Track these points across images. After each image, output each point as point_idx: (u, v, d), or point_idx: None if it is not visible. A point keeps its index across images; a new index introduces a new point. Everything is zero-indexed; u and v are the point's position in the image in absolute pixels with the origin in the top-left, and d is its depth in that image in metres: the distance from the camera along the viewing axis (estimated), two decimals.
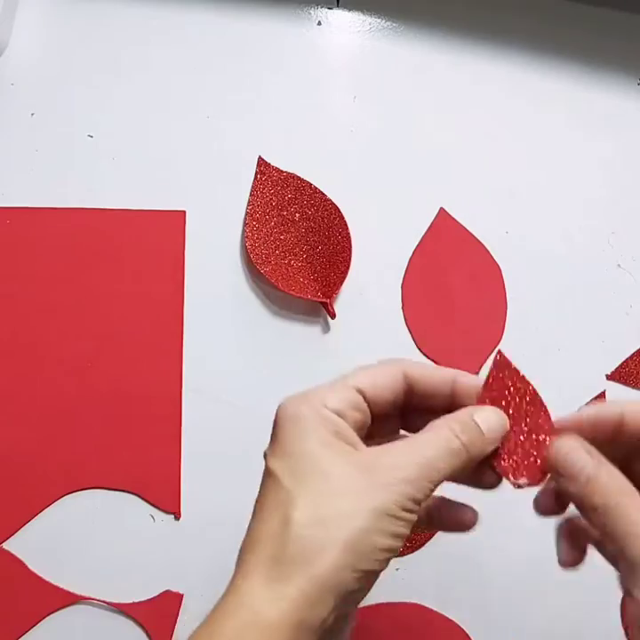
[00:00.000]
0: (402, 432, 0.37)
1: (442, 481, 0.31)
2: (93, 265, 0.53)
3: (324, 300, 0.53)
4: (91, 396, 0.52)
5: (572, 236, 0.57)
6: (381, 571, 0.31)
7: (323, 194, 0.54)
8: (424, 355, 0.55)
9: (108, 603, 0.51)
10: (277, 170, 0.54)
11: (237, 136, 0.55)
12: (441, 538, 0.55)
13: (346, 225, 0.54)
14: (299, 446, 0.31)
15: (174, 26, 0.55)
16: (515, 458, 0.33)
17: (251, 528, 0.31)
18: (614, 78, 0.58)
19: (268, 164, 0.54)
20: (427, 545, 0.54)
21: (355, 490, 0.30)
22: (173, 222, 0.54)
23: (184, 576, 0.52)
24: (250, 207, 0.53)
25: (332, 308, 0.53)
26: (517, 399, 0.34)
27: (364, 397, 0.33)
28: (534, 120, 0.57)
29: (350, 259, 0.54)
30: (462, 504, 0.37)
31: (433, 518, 0.37)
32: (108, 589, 0.52)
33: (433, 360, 0.55)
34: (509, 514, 0.56)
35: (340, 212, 0.54)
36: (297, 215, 0.54)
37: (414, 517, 0.31)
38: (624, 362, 0.57)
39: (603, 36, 0.58)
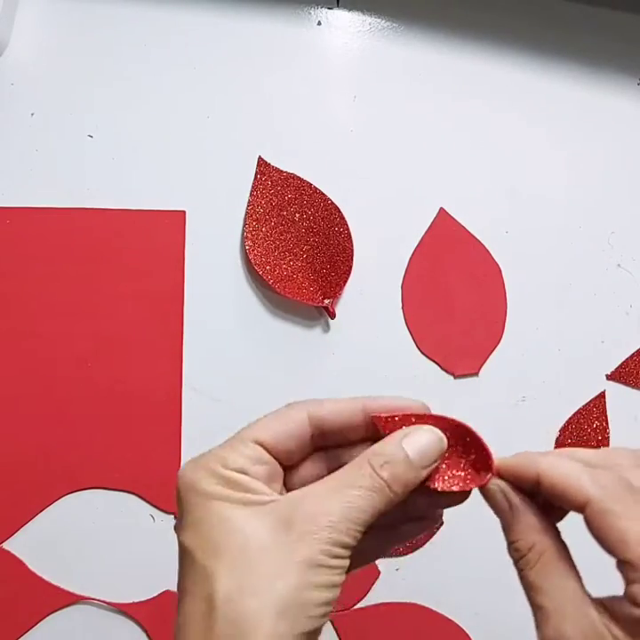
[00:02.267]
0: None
1: (371, 521, 0.28)
2: (93, 265, 0.53)
3: (322, 304, 0.53)
4: (91, 396, 0.52)
5: (572, 236, 0.57)
6: (322, 626, 0.28)
7: (323, 194, 0.54)
8: (424, 355, 0.55)
9: (108, 603, 0.51)
10: (277, 170, 0.54)
11: (237, 136, 0.55)
12: (441, 538, 0.55)
13: (347, 225, 0.54)
14: (205, 515, 0.28)
15: (174, 26, 0.55)
16: (450, 478, 0.32)
17: (177, 618, 0.28)
18: (614, 78, 0.58)
19: (267, 164, 0.54)
20: (427, 545, 0.54)
21: (276, 546, 0.27)
22: (173, 222, 0.54)
23: None
24: (249, 207, 0.53)
25: (333, 309, 0.53)
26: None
27: (266, 449, 0.30)
28: (534, 120, 0.57)
29: (352, 260, 0.54)
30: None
31: (390, 539, 0.33)
32: (108, 589, 0.52)
33: (433, 360, 0.55)
34: None
35: (340, 212, 0.54)
36: (297, 216, 0.54)
37: (346, 563, 0.28)
38: (624, 362, 0.57)
39: (603, 36, 0.58)
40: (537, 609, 0.29)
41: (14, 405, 0.52)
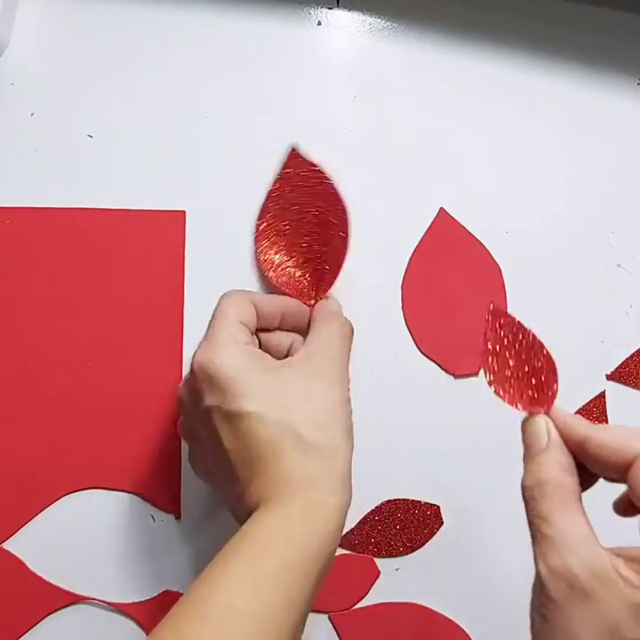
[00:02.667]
0: None
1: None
2: (93, 265, 0.53)
3: (311, 304, 0.52)
4: (91, 396, 0.52)
5: (572, 236, 0.57)
6: None
7: (337, 192, 0.52)
8: (424, 355, 0.55)
9: (108, 603, 0.51)
10: (307, 162, 0.53)
11: (237, 136, 0.55)
12: (441, 538, 0.55)
13: (347, 225, 0.53)
14: (257, 384, 0.37)
15: (174, 26, 0.55)
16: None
17: (254, 468, 0.36)
18: (614, 78, 0.58)
19: (298, 155, 0.53)
20: (427, 545, 0.54)
21: (322, 388, 0.38)
22: (173, 222, 0.54)
23: (184, 576, 0.52)
24: (270, 200, 0.53)
25: None
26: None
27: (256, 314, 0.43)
28: (534, 120, 0.57)
29: (341, 263, 0.52)
30: None
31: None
32: (108, 589, 0.52)
33: (433, 360, 0.55)
34: (510, 513, 0.56)
35: (346, 213, 0.52)
36: (310, 211, 0.53)
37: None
38: (624, 362, 0.57)
39: (603, 36, 0.58)
40: (544, 539, 0.30)
41: (14, 405, 0.52)
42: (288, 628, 0.31)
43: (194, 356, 0.40)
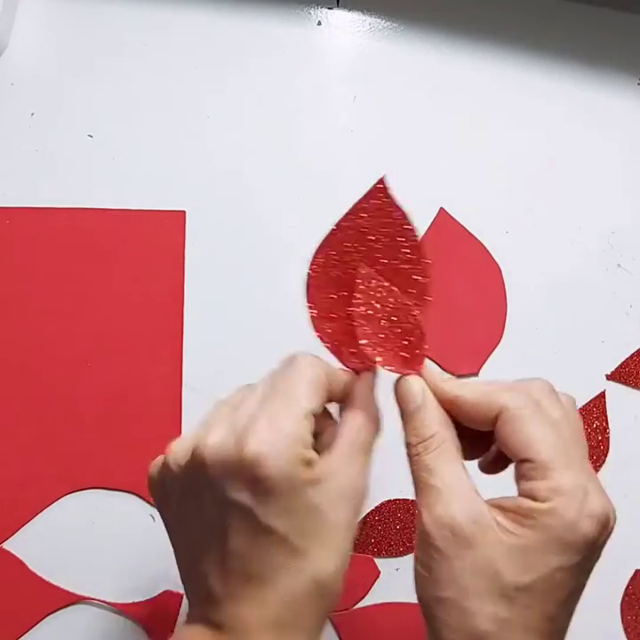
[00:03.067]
0: None
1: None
2: (93, 265, 0.53)
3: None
4: (90, 395, 0.52)
5: (572, 236, 0.57)
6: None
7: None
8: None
9: (108, 603, 0.51)
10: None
11: (237, 136, 0.55)
12: None
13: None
14: (297, 501, 0.30)
15: (174, 26, 0.55)
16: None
17: (276, 590, 0.30)
18: (614, 78, 0.58)
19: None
20: None
21: (337, 498, 0.31)
22: (173, 222, 0.54)
23: None
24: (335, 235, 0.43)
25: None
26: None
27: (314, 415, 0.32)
28: (534, 120, 0.57)
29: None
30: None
31: None
32: (108, 589, 0.52)
33: (433, 360, 0.55)
34: None
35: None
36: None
37: None
38: (624, 362, 0.57)
39: (603, 36, 0.58)
40: (428, 489, 0.31)
41: (14, 405, 0.52)
42: None
43: (246, 437, 0.30)
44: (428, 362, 0.33)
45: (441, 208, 0.56)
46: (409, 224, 0.46)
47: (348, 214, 0.44)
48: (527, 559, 0.29)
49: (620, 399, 0.56)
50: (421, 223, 0.56)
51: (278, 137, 0.55)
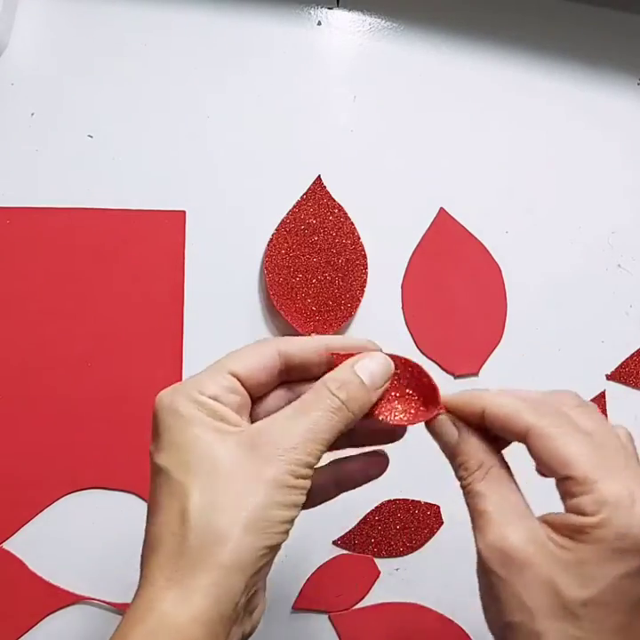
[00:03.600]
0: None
1: (332, 440, 0.31)
2: (93, 265, 0.53)
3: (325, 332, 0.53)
4: (91, 396, 0.52)
5: (572, 236, 0.57)
6: (282, 542, 0.31)
7: (354, 229, 0.54)
8: (424, 355, 0.55)
9: (107, 603, 0.51)
10: (329, 195, 0.54)
11: (237, 136, 0.55)
12: (441, 538, 0.55)
13: (365, 268, 0.54)
14: (181, 437, 0.31)
15: (174, 26, 0.55)
16: (395, 404, 0.35)
17: (148, 529, 0.31)
18: (614, 78, 0.58)
19: (323, 188, 0.54)
20: (427, 545, 0.54)
21: (245, 468, 0.30)
22: (173, 222, 0.54)
23: None
24: (284, 224, 0.53)
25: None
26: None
27: (240, 380, 0.33)
28: (534, 120, 0.57)
29: (360, 301, 0.53)
30: (368, 452, 0.37)
31: (341, 480, 0.37)
32: (108, 589, 0.52)
33: (433, 360, 0.55)
34: None
35: (364, 253, 0.54)
36: (321, 243, 0.53)
37: (308, 483, 0.31)
38: (624, 362, 0.57)
39: (603, 36, 0.58)
40: (480, 514, 0.31)
41: (14, 405, 0.52)
42: None
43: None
44: (443, 393, 0.34)
45: (441, 208, 0.56)
46: (347, 217, 0.54)
47: (291, 211, 0.53)
48: (586, 573, 0.29)
49: (621, 399, 0.56)
50: (422, 223, 0.56)
51: (278, 137, 0.55)
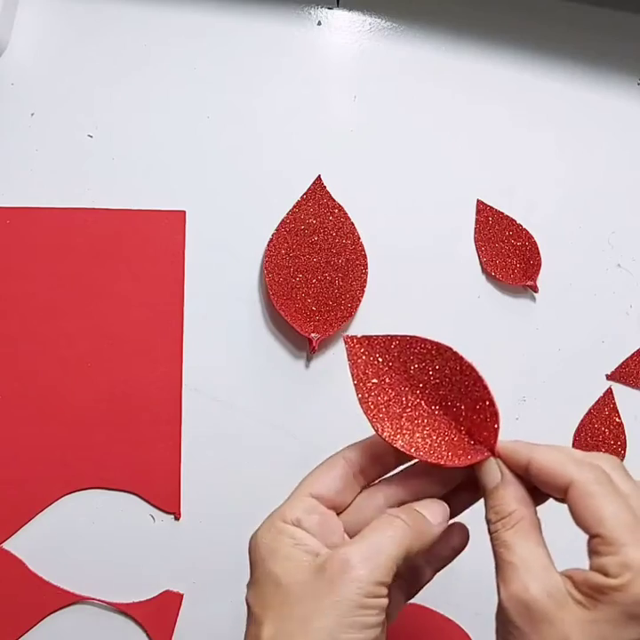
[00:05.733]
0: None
1: (402, 555, 0.32)
2: (93, 265, 0.53)
3: (309, 336, 0.53)
4: (91, 396, 0.52)
5: (572, 236, 0.57)
6: None
7: (354, 230, 0.54)
8: None
9: (108, 603, 0.51)
10: (329, 196, 0.54)
11: (237, 136, 0.55)
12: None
13: (365, 272, 0.54)
14: (260, 571, 0.32)
15: (174, 26, 0.55)
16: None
17: None
18: (614, 78, 0.58)
19: (324, 188, 0.54)
20: None
21: (315, 594, 0.30)
22: (173, 222, 0.54)
23: (184, 576, 0.52)
24: (284, 224, 0.53)
25: (316, 344, 0.52)
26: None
27: (319, 498, 0.34)
28: (534, 120, 0.57)
29: (360, 301, 0.53)
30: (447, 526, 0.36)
31: (430, 561, 0.38)
32: (108, 589, 0.52)
33: None
34: None
35: (365, 257, 0.54)
36: (321, 245, 0.53)
37: (384, 602, 0.31)
38: (624, 362, 0.57)
39: (603, 36, 0.58)
40: (506, 565, 0.32)
41: (14, 405, 0.52)
42: None
43: None
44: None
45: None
46: (347, 217, 0.54)
47: (291, 211, 0.53)
48: (600, 633, 0.29)
49: (621, 399, 0.56)
50: (421, 223, 0.56)
51: (278, 137, 0.55)
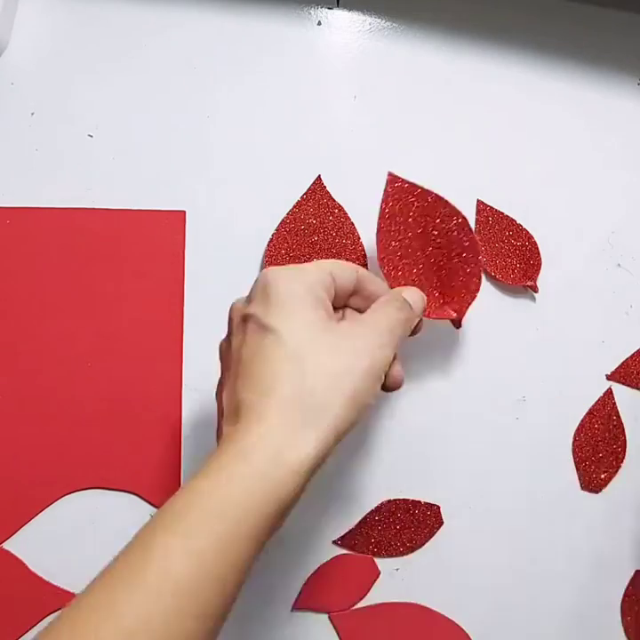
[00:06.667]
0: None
1: (399, 345, 0.40)
2: (93, 265, 0.53)
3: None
4: (91, 395, 0.52)
5: (571, 236, 0.57)
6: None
7: (353, 226, 0.54)
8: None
9: None
10: (328, 194, 0.54)
11: (237, 136, 0.55)
12: (441, 538, 0.55)
13: (366, 266, 0.54)
14: (300, 316, 0.37)
15: (174, 26, 0.55)
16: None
17: (252, 375, 0.36)
18: (614, 78, 0.58)
19: (323, 188, 0.54)
20: (427, 545, 0.54)
21: (351, 351, 0.37)
22: (173, 222, 0.54)
23: None
24: (287, 222, 0.54)
25: None
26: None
27: (334, 282, 0.40)
28: (534, 120, 0.57)
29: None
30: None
31: None
32: None
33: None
34: (510, 514, 0.56)
35: (364, 252, 0.54)
36: (318, 243, 0.54)
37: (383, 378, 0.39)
38: (624, 362, 0.57)
39: (603, 36, 0.58)
40: None
41: (14, 405, 0.52)
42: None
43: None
44: None
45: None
46: (347, 218, 0.54)
47: (291, 211, 0.53)
48: None
49: (621, 399, 0.56)
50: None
51: (278, 137, 0.55)
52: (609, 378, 0.57)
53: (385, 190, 0.49)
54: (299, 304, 0.37)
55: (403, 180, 0.49)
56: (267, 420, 0.34)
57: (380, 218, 0.49)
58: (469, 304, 0.51)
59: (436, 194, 0.50)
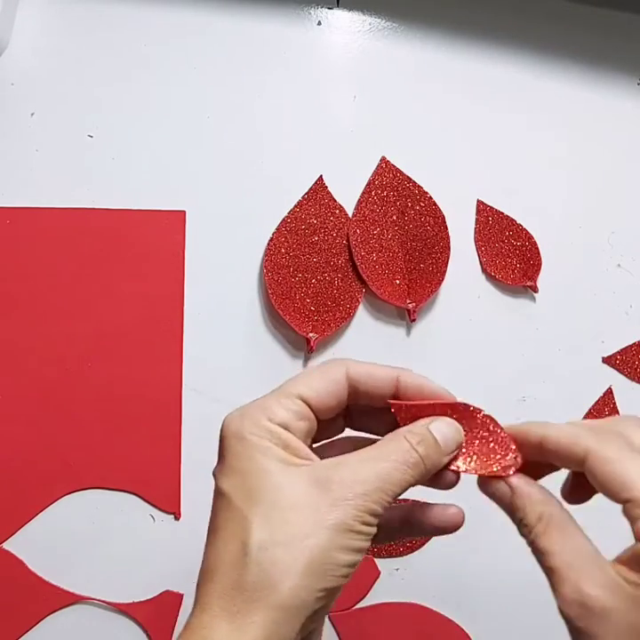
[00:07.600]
0: (347, 431, 0.36)
1: (400, 493, 0.31)
2: (93, 265, 0.53)
3: (307, 336, 0.53)
4: (91, 395, 0.52)
5: (572, 236, 0.57)
6: (342, 585, 0.30)
7: (346, 215, 0.54)
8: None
9: (108, 603, 0.51)
10: (329, 193, 0.54)
11: (237, 136, 0.55)
12: (441, 538, 0.55)
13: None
14: (247, 464, 0.30)
15: (174, 26, 0.55)
16: (473, 461, 0.34)
17: (207, 553, 0.31)
18: (614, 78, 0.58)
19: (324, 187, 0.54)
20: (427, 545, 0.54)
21: (311, 506, 0.29)
22: (173, 222, 0.54)
23: (184, 576, 0.52)
24: (282, 225, 0.54)
25: (314, 345, 0.53)
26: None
27: (309, 405, 0.32)
28: (534, 120, 0.57)
29: (357, 305, 0.54)
30: (443, 504, 0.36)
31: (410, 524, 0.36)
32: (108, 589, 0.52)
33: None
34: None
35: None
36: (318, 243, 0.54)
37: (374, 531, 0.30)
38: (622, 349, 0.56)
39: (603, 36, 0.58)
40: (551, 572, 0.30)
41: (14, 405, 0.52)
42: None
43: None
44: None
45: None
46: (348, 218, 0.54)
47: (292, 211, 0.54)
48: None
49: (621, 399, 0.56)
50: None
51: (278, 137, 0.55)
52: (605, 361, 0.57)
53: (376, 169, 0.51)
54: (249, 453, 0.30)
55: (395, 166, 0.51)
56: (210, 609, 0.29)
57: (363, 193, 0.50)
58: (427, 298, 0.51)
59: (422, 187, 0.51)
